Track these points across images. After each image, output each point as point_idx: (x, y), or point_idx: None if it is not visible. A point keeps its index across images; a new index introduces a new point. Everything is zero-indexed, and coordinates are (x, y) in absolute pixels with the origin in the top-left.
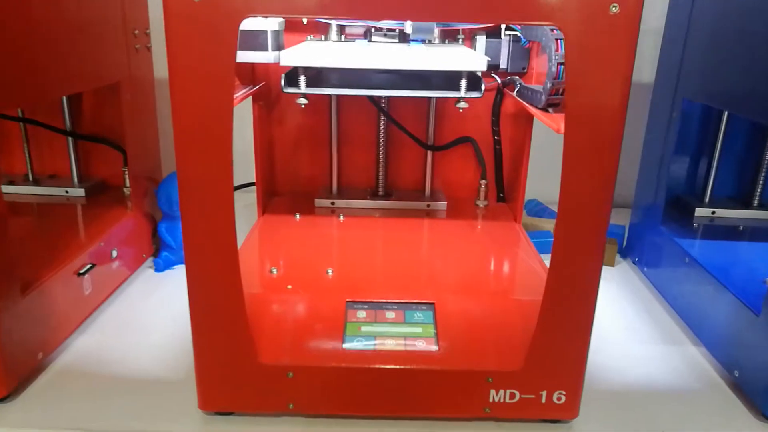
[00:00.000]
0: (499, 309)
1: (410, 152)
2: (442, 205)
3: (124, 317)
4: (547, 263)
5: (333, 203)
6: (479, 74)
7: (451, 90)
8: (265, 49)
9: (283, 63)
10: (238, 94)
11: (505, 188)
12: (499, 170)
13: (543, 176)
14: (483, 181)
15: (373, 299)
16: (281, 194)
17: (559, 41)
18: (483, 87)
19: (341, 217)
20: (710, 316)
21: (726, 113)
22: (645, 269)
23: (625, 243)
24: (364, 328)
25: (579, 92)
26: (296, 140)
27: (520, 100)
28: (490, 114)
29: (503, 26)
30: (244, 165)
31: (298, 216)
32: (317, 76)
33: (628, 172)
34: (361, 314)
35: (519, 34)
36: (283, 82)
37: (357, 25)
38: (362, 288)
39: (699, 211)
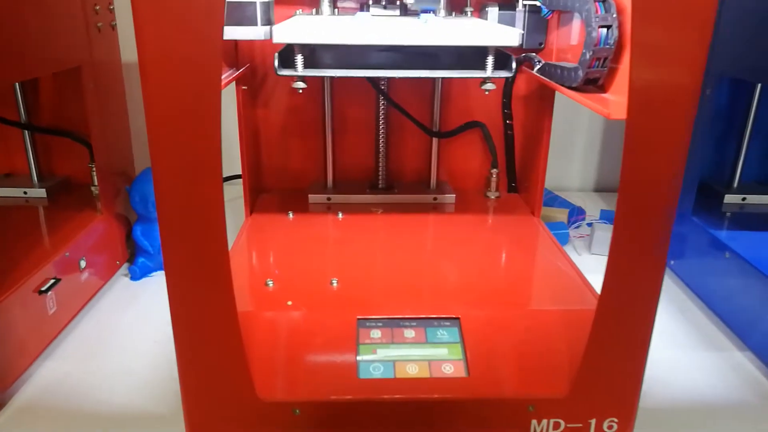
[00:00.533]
0: (537, 323)
1: (413, 139)
2: (450, 198)
3: (97, 338)
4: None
5: (329, 199)
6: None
7: (472, 68)
8: (254, 23)
9: (276, 40)
10: (223, 76)
11: (517, 177)
12: (510, 158)
13: (551, 162)
14: (494, 171)
15: (388, 315)
16: (270, 190)
17: (598, 3)
18: (514, 65)
19: (339, 215)
20: (759, 318)
21: (758, 93)
22: (672, 263)
23: None
24: (380, 351)
25: (648, 66)
26: (285, 128)
27: (545, 79)
28: (500, 96)
29: None
30: (225, 155)
31: (291, 215)
32: (311, 55)
33: None
34: (376, 334)
35: (539, 2)
36: (276, 63)
37: None
38: (374, 301)
39: (728, 198)
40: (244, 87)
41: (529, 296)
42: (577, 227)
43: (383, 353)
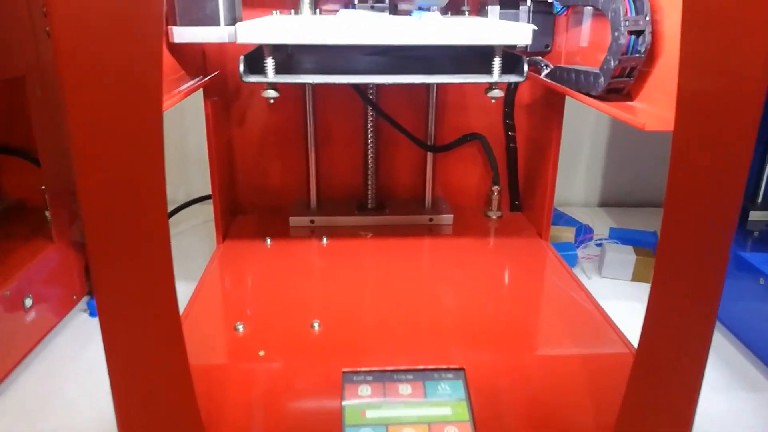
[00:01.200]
0: (557, 372)
1: (406, 153)
2: (448, 218)
3: (44, 391)
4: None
5: (312, 221)
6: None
7: (475, 73)
8: (216, 23)
9: (240, 40)
10: (184, 87)
11: (521, 195)
12: (513, 173)
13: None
14: (495, 187)
15: (379, 366)
16: (247, 212)
17: (628, 1)
18: (526, 67)
19: (324, 240)
20: None
21: None
22: None
23: None
24: (369, 413)
25: (702, 70)
26: (263, 142)
27: (558, 85)
28: (501, 106)
29: None
30: (201, 172)
31: (269, 241)
32: (288, 60)
33: (665, 162)
34: (365, 390)
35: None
36: (242, 68)
37: None
38: (362, 349)
39: (754, 215)
40: (214, 98)
41: (545, 339)
42: (585, 247)
43: (374, 415)
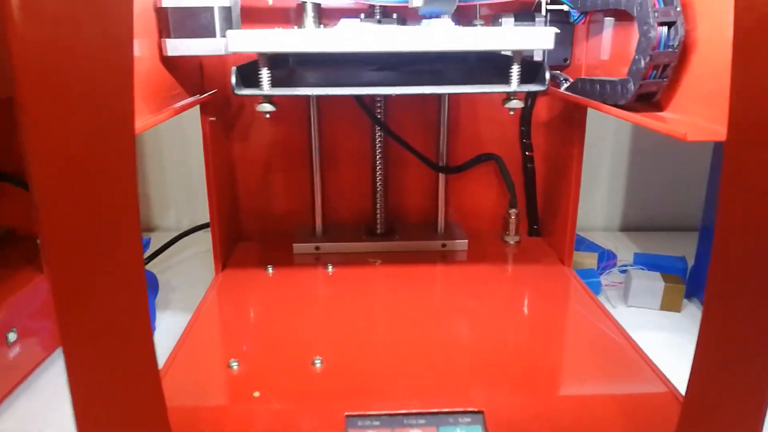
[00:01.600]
0: (588, 414)
1: (416, 174)
2: (462, 244)
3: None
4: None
5: (317, 248)
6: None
7: (490, 83)
8: (212, 34)
9: (231, 48)
10: (178, 104)
11: (540, 218)
12: (531, 196)
13: None
14: (513, 211)
15: (388, 409)
16: (248, 238)
17: None
18: (547, 75)
19: (329, 268)
20: None
21: None
22: None
23: (687, 276)
24: None
25: (762, 70)
26: (265, 165)
27: (580, 98)
28: (517, 123)
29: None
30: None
31: (270, 269)
32: (289, 74)
33: (691, 183)
34: None
35: (568, 6)
36: (233, 80)
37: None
38: (368, 389)
39: None
40: (212, 118)
41: (573, 377)
42: (608, 274)
43: None
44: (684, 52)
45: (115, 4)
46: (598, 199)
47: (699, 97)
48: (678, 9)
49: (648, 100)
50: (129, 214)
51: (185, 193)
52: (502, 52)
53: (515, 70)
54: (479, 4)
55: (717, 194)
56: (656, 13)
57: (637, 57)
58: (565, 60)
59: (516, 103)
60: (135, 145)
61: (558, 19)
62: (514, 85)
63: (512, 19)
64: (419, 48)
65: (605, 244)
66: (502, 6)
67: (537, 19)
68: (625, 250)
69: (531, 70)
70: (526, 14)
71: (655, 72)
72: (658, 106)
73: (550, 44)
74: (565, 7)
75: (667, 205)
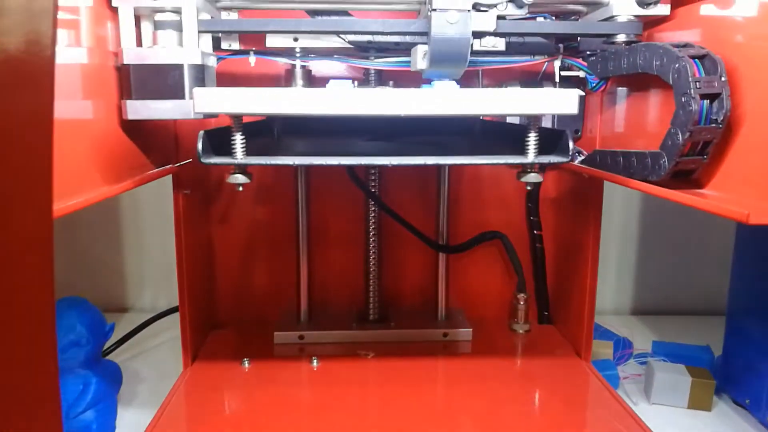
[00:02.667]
0: None
1: (414, 253)
2: (466, 333)
3: None
4: None
5: (301, 337)
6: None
7: (501, 153)
8: (180, 96)
9: (198, 109)
10: (146, 174)
11: (550, 304)
12: (541, 279)
13: None
14: (521, 295)
15: None
16: (223, 325)
17: (695, 60)
18: (571, 144)
19: (314, 362)
20: None
21: None
22: (749, 402)
23: (714, 368)
24: None
25: None
26: (246, 242)
27: (602, 172)
28: (523, 198)
29: (556, 64)
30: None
31: (246, 363)
32: (273, 142)
33: (709, 262)
34: None
35: (585, 72)
36: (200, 146)
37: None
38: None
39: None
40: (186, 191)
41: None
42: (625, 365)
43: None
44: (729, 126)
45: (34, 67)
46: (607, 279)
47: (750, 175)
48: (723, 79)
49: (683, 178)
50: (42, 317)
51: (163, 270)
52: (508, 119)
53: (532, 139)
54: (482, 71)
55: (745, 276)
56: (698, 84)
57: (673, 130)
58: (577, 132)
59: (534, 177)
60: (52, 230)
61: (570, 87)
62: (530, 156)
63: (518, 86)
64: (428, 111)
65: (619, 330)
66: (505, 73)
67: (546, 87)
68: (641, 337)
69: (549, 139)
70: (533, 82)
71: (694, 148)
72: (695, 182)
73: (574, 108)
74: (581, 74)
75: (682, 287)
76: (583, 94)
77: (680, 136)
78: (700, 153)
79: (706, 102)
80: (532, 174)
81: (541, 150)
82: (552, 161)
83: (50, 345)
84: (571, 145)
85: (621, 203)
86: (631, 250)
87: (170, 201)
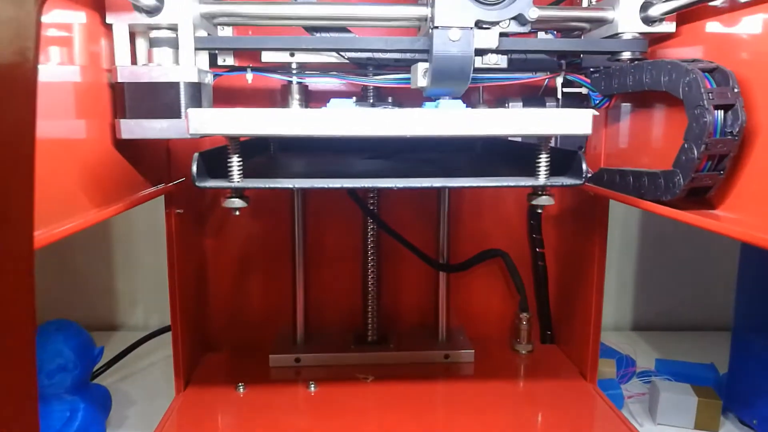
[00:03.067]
0: None
1: (414, 272)
2: (468, 354)
3: None
4: None
5: (298, 360)
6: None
7: (508, 174)
8: (176, 115)
9: (192, 131)
10: (138, 195)
11: (553, 323)
12: (543, 298)
13: None
14: (524, 315)
15: None
16: (217, 348)
17: (705, 74)
18: (584, 166)
19: (311, 387)
20: None
21: None
22: (756, 423)
23: (719, 387)
24: None
25: None
26: (241, 262)
27: (611, 192)
28: (524, 216)
29: (558, 81)
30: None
31: (241, 388)
32: (269, 162)
33: (711, 276)
34: None
35: (587, 89)
36: (195, 169)
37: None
38: None
39: None
40: (179, 210)
41: None
42: (627, 383)
43: None
44: (741, 143)
45: (15, 81)
46: (607, 294)
47: (766, 195)
48: (736, 90)
49: (698, 196)
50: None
51: (155, 287)
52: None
53: (543, 160)
54: (482, 87)
55: (751, 291)
56: (710, 95)
57: (687, 145)
58: (580, 148)
59: (546, 200)
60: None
61: (572, 104)
62: (542, 179)
63: (520, 104)
64: (437, 132)
65: (620, 347)
66: (506, 89)
67: (548, 104)
68: (644, 355)
69: (562, 159)
70: (535, 98)
71: (710, 163)
72: (707, 202)
73: (587, 129)
74: (584, 90)
75: (683, 301)
76: (596, 113)
77: (695, 150)
78: (716, 168)
79: (720, 113)
80: (544, 197)
81: (552, 171)
82: (565, 184)
83: (30, 374)
84: (584, 166)
85: (621, 214)
86: (631, 263)
87: (162, 216)
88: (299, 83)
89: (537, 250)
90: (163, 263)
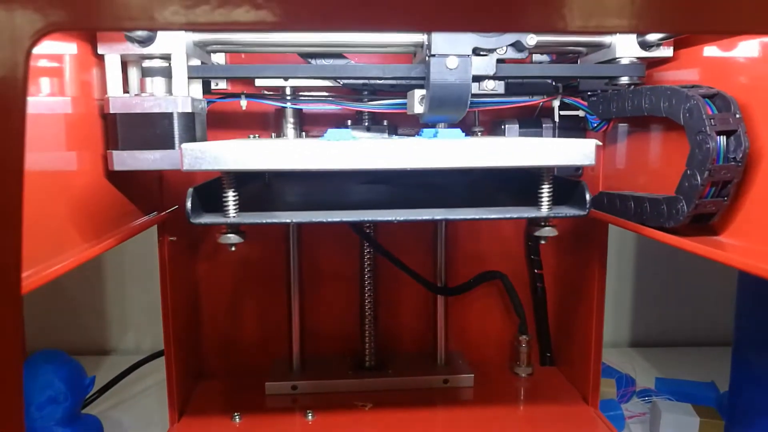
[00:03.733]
0: None
1: (411, 295)
2: (467, 379)
3: None
4: None
5: (294, 387)
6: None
7: (509, 204)
8: (170, 146)
9: (186, 168)
10: (131, 225)
11: (553, 345)
12: (542, 320)
13: None
14: (523, 337)
15: None
16: (211, 375)
17: (705, 100)
18: (588, 197)
19: (309, 416)
20: None
21: None
22: None
23: (720, 407)
24: None
25: None
26: (235, 287)
27: (611, 217)
28: (522, 237)
29: (555, 104)
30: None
31: (237, 418)
32: (263, 191)
33: (709, 291)
34: None
35: (584, 112)
36: (189, 205)
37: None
38: None
39: None
40: (172, 238)
41: None
42: (627, 402)
43: None
44: (747, 165)
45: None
46: (606, 311)
47: None
48: (738, 116)
49: (701, 223)
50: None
51: (147, 311)
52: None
53: (546, 191)
54: (478, 111)
55: (752, 307)
56: (712, 121)
57: (690, 171)
58: (578, 170)
59: (549, 231)
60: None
61: (569, 125)
62: (545, 210)
63: (516, 126)
64: (438, 165)
65: (620, 365)
66: (502, 112)
67: (544, 126)
68: (643, 373)
69: (564, 188)
70: (531, 120)
71: (713, 189)
72: (709, 229)
73: (591, 159)
74: (581, 113)
75: (681, 317)
76: (599, 143)
77: (698, 176)
78: (719, 195)
79: (723, 139)
80: (547, 228)
81: (558, 199)
82: (568, 214)
83: (17, 409)
84: (588, 196)
85: (617, 229)
86: (628, 277)
87: (153, 240)
88: (292, 108)
89: (535, 271)
90: (154, 285)
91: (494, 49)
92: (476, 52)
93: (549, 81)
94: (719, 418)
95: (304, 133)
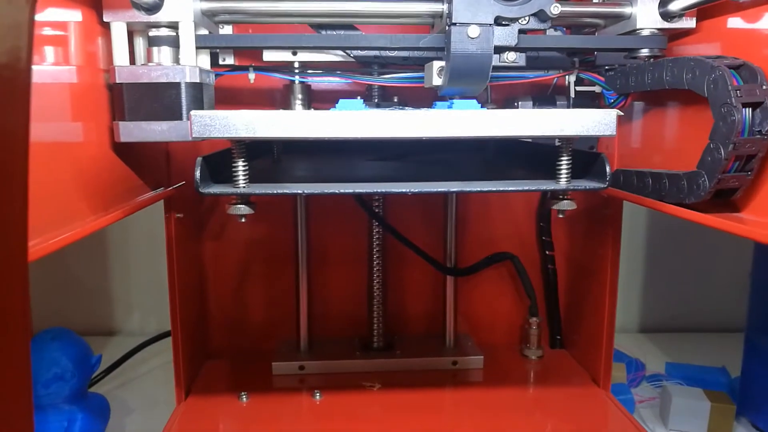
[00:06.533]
0: None
1: (420, 276)
2: (477, 360)
3: None
4: None
5: (302, 368)
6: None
7: (525, 177)
8: (177, 116)
9: (195, 134)
10: (137, 200)
11: (563, 328)
12: (553, 302)
13: None
14: (534, 320)
15: None
16: (218, 356)
17: (731, 71)
18: (608, 168)
19: (316, 396)
20: None
21: None
22: None
23: (732, 391)
24: None
25: None
26: (242, 266)
27: (628, 194)
28: (533, 218)
29: (571, 79)
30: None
31: (244, 397)
32: (273, 166)
33: (721, 275)
34: None
35: (601, 87)
36: (198, 175)
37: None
38: None
39: None
40: (179, 215)
41: None
42: (637, 387)
43: None
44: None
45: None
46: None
47: None
48: (765, 87)
49: (722, 198)
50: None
51: (152, 292)
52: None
53: (564, 163)
54: (490, 86)
55: (765, 292)
56: (738, 92)
57: (713, 145)
58: (592, 147)
59: (568, 205)
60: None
61: (584, 103)
62: (563, 182)
63: (530, 103)
64: (457, 134)
65: (629, 350)
66: (514, 89)
67: (558, 103)
68: (653, 358)
69: (584, 161)
70: (545, 97)
71: (737, 163)
72: (731, 205)
73: (612, 130)
74: (597, 89)
75: (692, 302)
76: (620, 113)
77: (722, 150)
78: (743, 169)
79: (749, 111)
80: (566, 201)
81: (578, 172)
82: (588, 187)
83: (25, 384)
84: (608, 168)
85: (628, 211)
86: (638, 261)
87: (159, 218)
88: (302, 83)
89: (546, 252)
90: (159, 266)
91: (516, 19)
92: (498, 21)
93: (564, 56)
94: (731, 402)
95: (312, 109)
